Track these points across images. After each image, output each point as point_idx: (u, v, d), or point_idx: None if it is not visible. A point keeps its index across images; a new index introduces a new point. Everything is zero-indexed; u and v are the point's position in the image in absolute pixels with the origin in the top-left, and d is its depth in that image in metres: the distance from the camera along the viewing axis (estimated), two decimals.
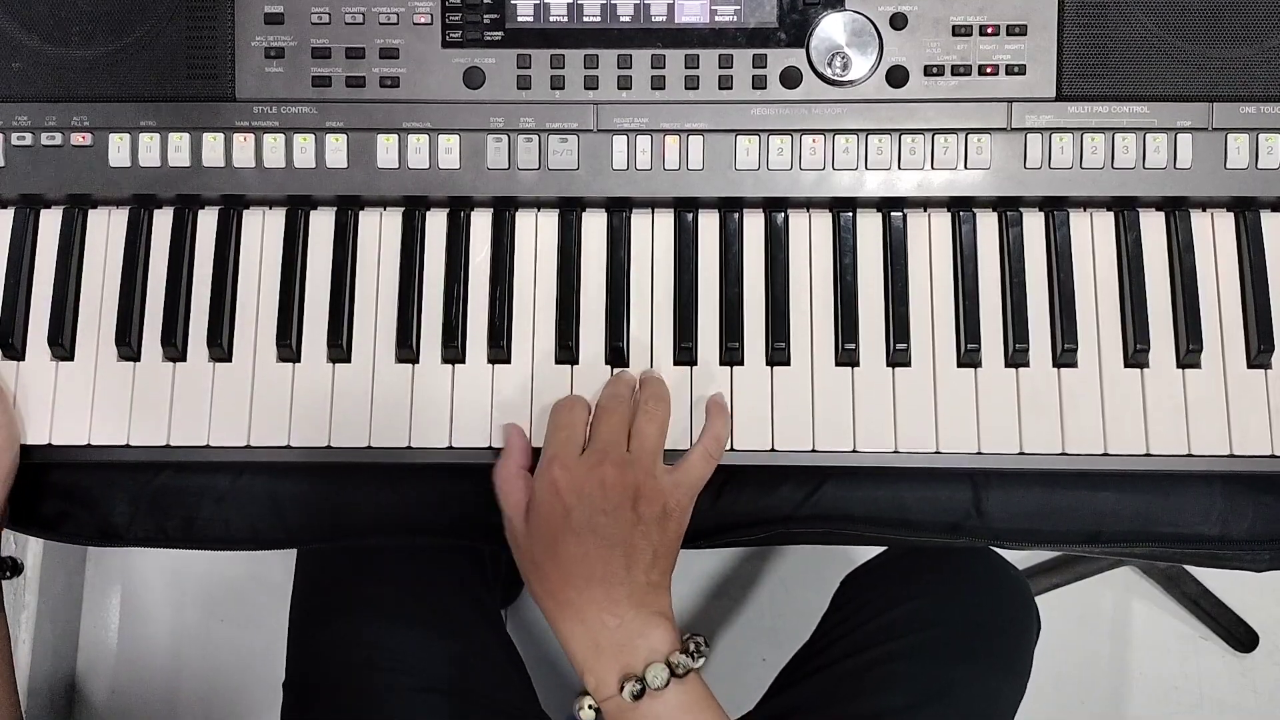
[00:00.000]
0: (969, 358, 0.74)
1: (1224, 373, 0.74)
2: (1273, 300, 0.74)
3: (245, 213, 0.77)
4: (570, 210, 0.76)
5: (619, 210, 0.76)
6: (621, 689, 0.63)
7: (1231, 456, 0.72)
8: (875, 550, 0.99)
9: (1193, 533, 0.76)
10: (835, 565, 1.02)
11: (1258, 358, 0.73)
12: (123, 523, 0.77)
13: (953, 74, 0.74)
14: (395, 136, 0.75)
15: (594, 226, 0.76)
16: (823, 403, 0.74)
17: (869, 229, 0.76)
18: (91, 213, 0.77)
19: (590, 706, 0.64)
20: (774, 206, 0.76)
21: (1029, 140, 0.74)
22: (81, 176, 0.75)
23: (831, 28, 0.74)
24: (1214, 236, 0.75)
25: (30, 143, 0.75)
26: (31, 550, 1.40)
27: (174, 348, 0.75)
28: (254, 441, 0.74)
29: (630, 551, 0.65)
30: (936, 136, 0.74)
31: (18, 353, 0.76)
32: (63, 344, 0.75)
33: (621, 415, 0.69)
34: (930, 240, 0.76)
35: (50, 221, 0.77)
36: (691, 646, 0.64)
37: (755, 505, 0.76)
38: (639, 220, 0.77)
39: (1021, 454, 0.73)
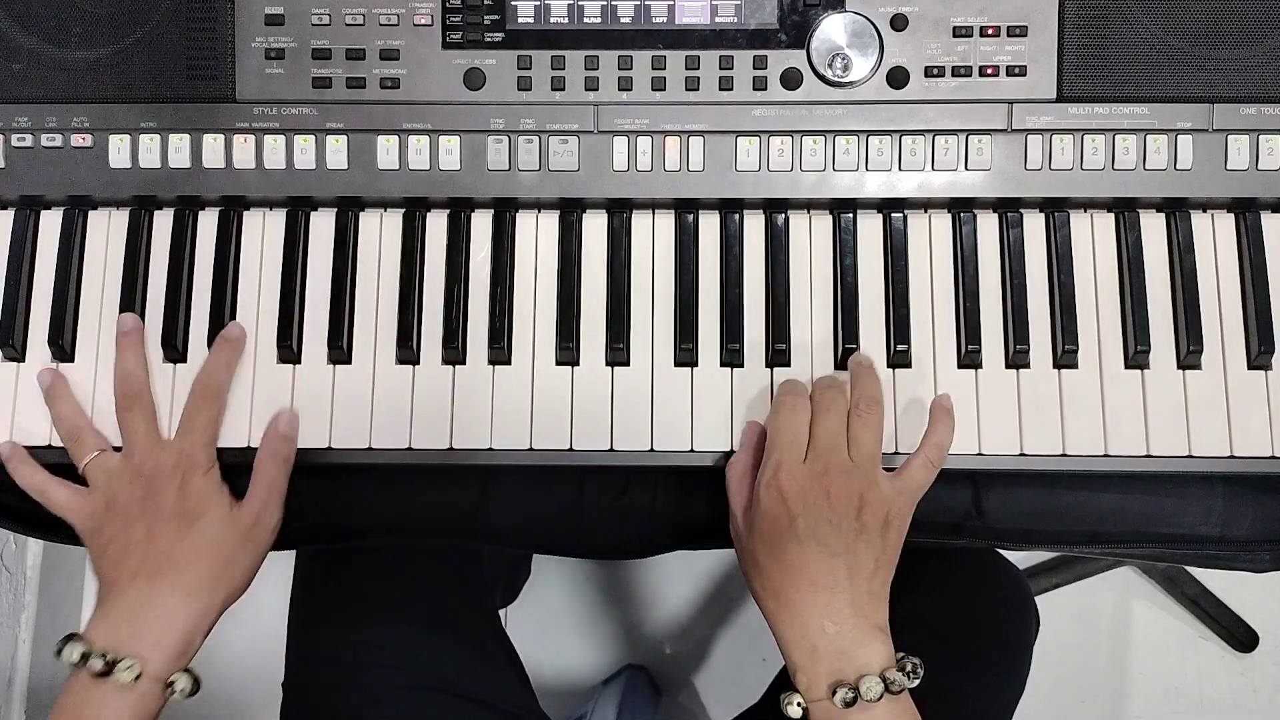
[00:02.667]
0: (970, 359, 0.74)
1: (1224, 374, 0.74)
2: (1273, 301, 0.74)
3: (246, 214, 0.77)
4: (571, 211, 0.76)
5: (619, 211, 0.76)
6: (833, 694, 0.63)
7: (1232, 457, 0.72)
8: None
9: (1193, 533, 0.76)
10: None
11: (1258, 359, 0.74)
12: None
13: (953, 75, 0.74)
14: (396, 138, 0.75)
15: (594, 228, 0.76)
16: None
17: (869, 230, 0.76)
18: (92, 214, 0.77)
19: (799, 705, 0.65)
20: (774, 207, 0.76)
21: (1029, 141, 0.74)
22: (82, 178, 0.75)
23: (832, 29, 0.74)
24: (1214, 237, 0.75)
25: (30, 144, 0.75)
26: (31, 550, 1.40)
27: (174, 349, 0.75)
28: (254, 443, 0.74)
29: (853, 560, 0.66)
30: (937, 138, 0.74)
31: (18, 354, 0.76)
32: (63, 345, 0.75)
33: (840, 417, 0.69)
34: (931, 241, 0.76)
35: (50, 223, 0.77)
36: (909, 666, 0.65)
37: None
38: (639, 221, 0.77)
39: (1022, 455, 0.73)
